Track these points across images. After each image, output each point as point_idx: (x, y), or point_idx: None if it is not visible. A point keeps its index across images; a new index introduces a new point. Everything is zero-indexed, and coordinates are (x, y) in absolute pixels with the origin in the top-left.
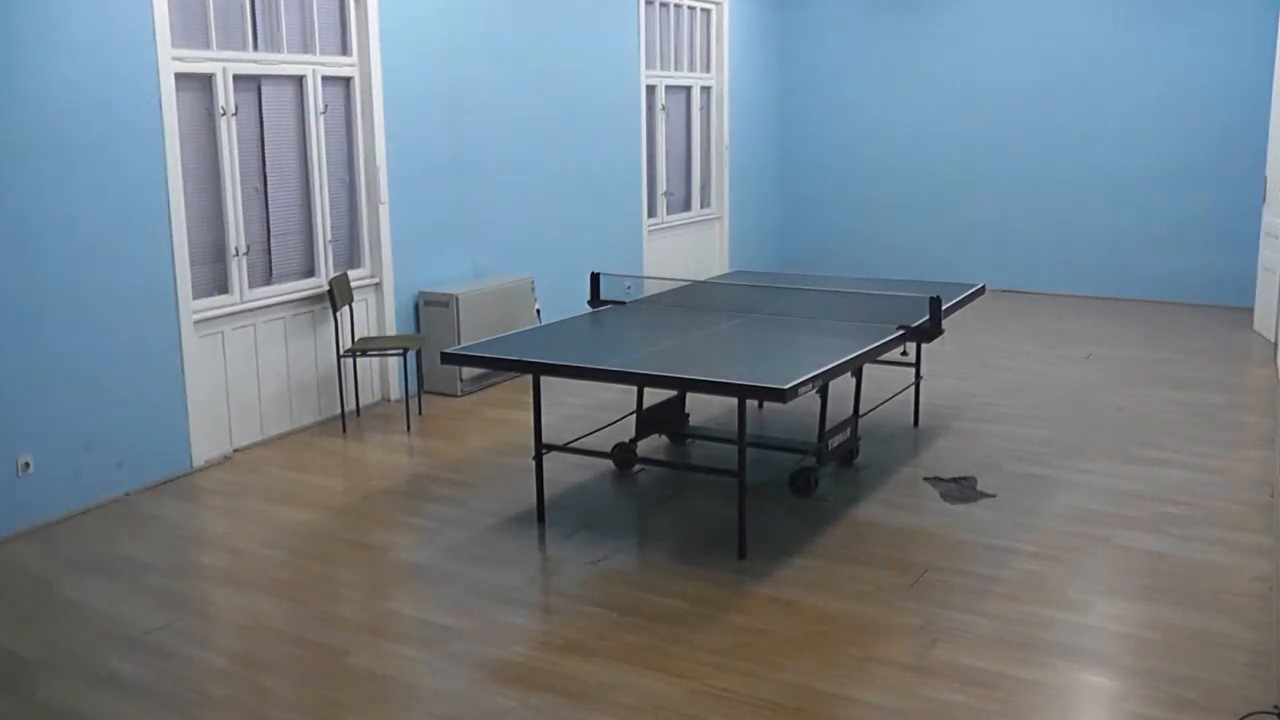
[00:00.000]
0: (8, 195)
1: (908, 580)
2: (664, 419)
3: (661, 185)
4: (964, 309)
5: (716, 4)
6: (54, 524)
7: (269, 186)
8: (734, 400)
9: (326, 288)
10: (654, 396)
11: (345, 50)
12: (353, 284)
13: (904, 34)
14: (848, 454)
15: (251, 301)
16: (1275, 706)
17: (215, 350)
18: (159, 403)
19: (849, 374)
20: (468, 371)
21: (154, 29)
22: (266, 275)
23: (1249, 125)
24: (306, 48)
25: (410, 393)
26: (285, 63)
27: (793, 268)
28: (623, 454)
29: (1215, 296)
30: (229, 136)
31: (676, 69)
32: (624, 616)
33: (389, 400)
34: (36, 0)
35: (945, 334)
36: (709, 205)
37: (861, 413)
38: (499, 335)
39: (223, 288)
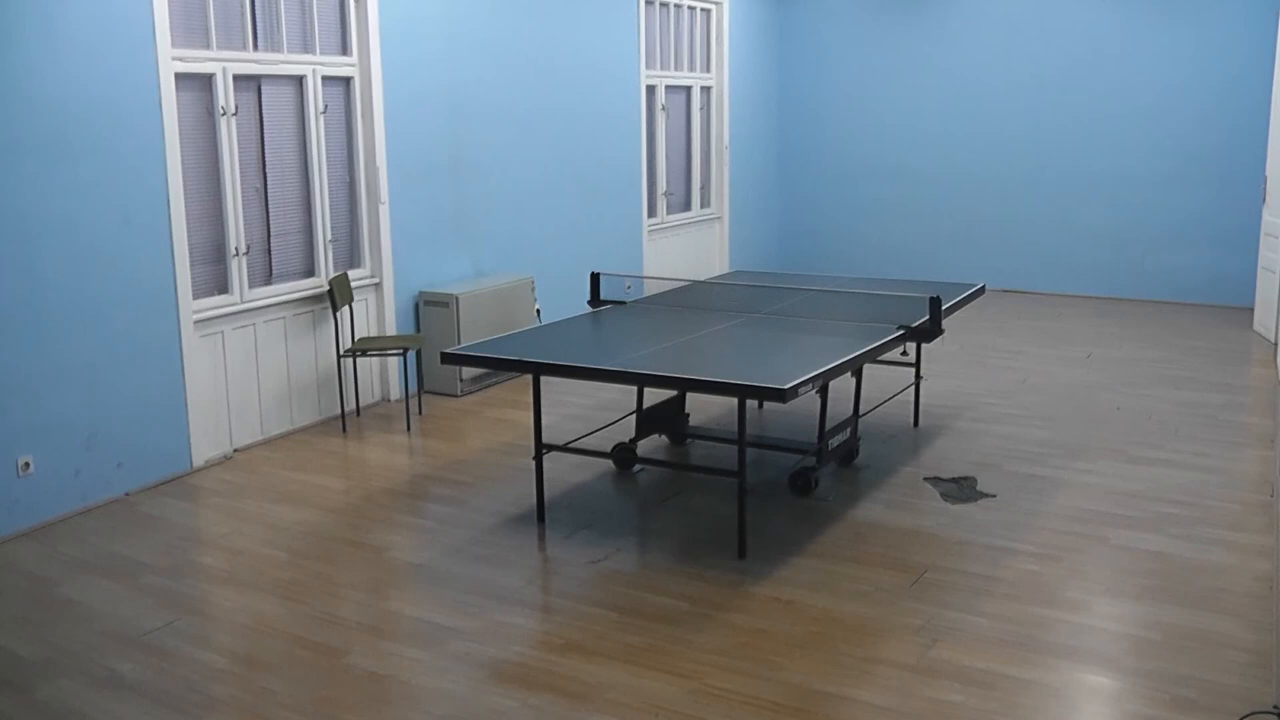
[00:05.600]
0: (8, 195)
1: (908, 580)
2: (664, 419)
3: (661, 185)
4: (964, 309)
5: (716, 4)
6: (54, 524)
7: (269, 186)
8: (734, 400)
9: (326, 288)
10: (654, 396)
11: (345, 50)
12: (353, 284)
13: (904, 34)
14: (848, 454)
15: (251, 301)
16: (1275, 706)
17: (215, 350)
18: (159, 403)
19: (849, 374)
20: (468, 371)
21: (154, 29)
22: (266, 275)
23: (1249, 125)
24: (306, 48)
25: (410, 393)
26: (285, 63)
27: (793, 268)
28: (623, 454)
29: (1215, 296)
30: (229, 136)
31: (676, 69)
32: (624, 616)
33: (389, 400)
34: (36, 0)
35: (945, 334)
36: (709, 205)
37: (861, 413)
38: (499, 335)
39: (223, 288)
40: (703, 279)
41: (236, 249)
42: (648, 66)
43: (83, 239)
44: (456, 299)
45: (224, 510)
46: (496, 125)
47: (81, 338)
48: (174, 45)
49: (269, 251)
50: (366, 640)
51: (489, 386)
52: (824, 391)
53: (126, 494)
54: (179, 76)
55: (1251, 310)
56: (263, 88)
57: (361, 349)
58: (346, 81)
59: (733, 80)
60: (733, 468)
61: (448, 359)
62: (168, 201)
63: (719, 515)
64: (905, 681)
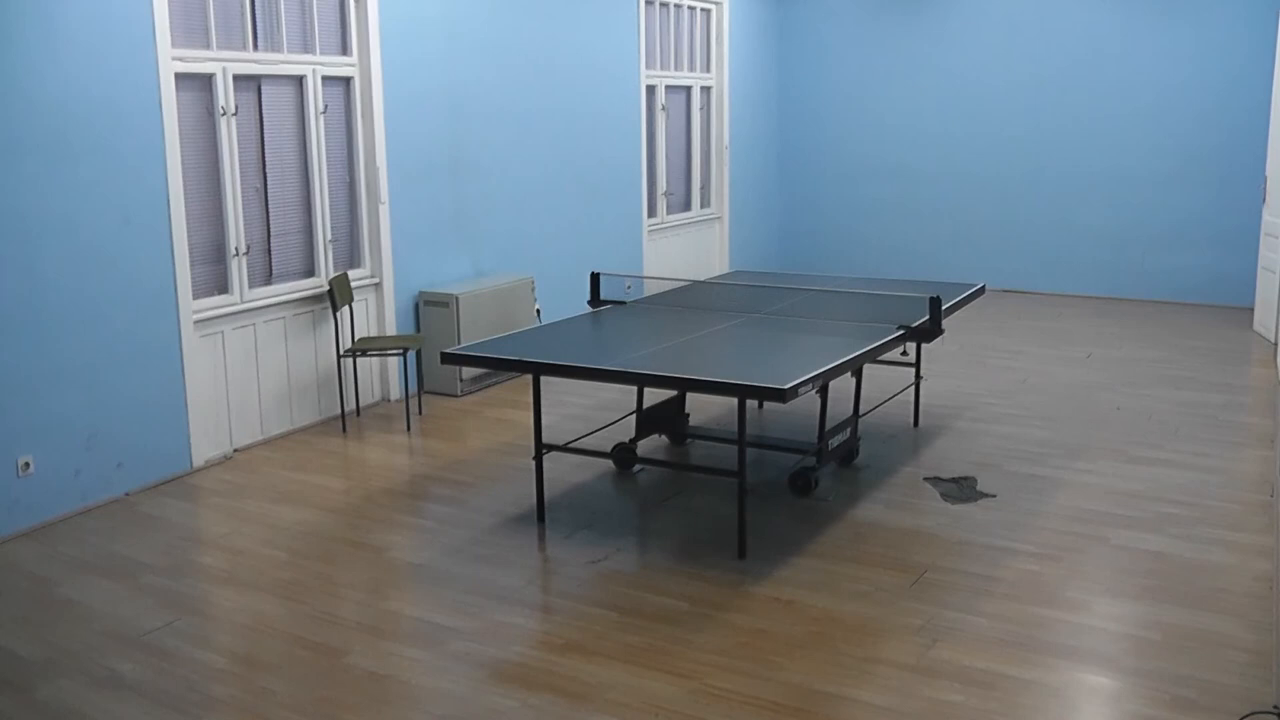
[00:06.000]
0: (8, 195)
1: (908, 580)
2: (664, 419)
3: (661, 185)
4: (964, 309)
5: (716, 4)
6: (54, 524)
7: (269, 186)
8: (734, 400)
9: (326, 288)
10: (654, 396)
11: (345, 50)
12: (353, 284)
13: (905, 34)
14: (848, 454)
15: (251, 301)
16: (1275, 706)
17: (215, 350)
18: (159, 403)
19: (849, 374)
20: (468, 371)
21: (154, 29)
22: (266, 275)
23: (1249, 125)
24: (306, 48)
25: (410, 393)
26: (285, 63)
27: (793, 268)
28: (623, 454)
29: (1215, 296)
30: (229, 136)
31: (676, 69)
32: (624, 616)
33: (389, 400)
34: (36, 0)
35: (945, 334)
36: (709, 205)
37: (861, 413)
38: (499, 335)
39: (223, 288)
40: (703, 279)
41: (236, 249)
42: (648, 66)
43: (83, 239)
44: (456, 299)
45: (224, 510)
46: (496, 125)
47: (81, 338)
48: (174, 45)
49: (269, 251)
50: (366, 640)
51: (489, 386)
52: (824, 391)
53: (126, 494)
54: (179, 76)
55: (1251, 310)
56: (263, 88)
57: (361, 349)
58: (346, 81)
59: (733, 80)
60: (733, 468)
61: (448, 359)
62: (168, 201)
63: (719, 515)
64: (905, 681)
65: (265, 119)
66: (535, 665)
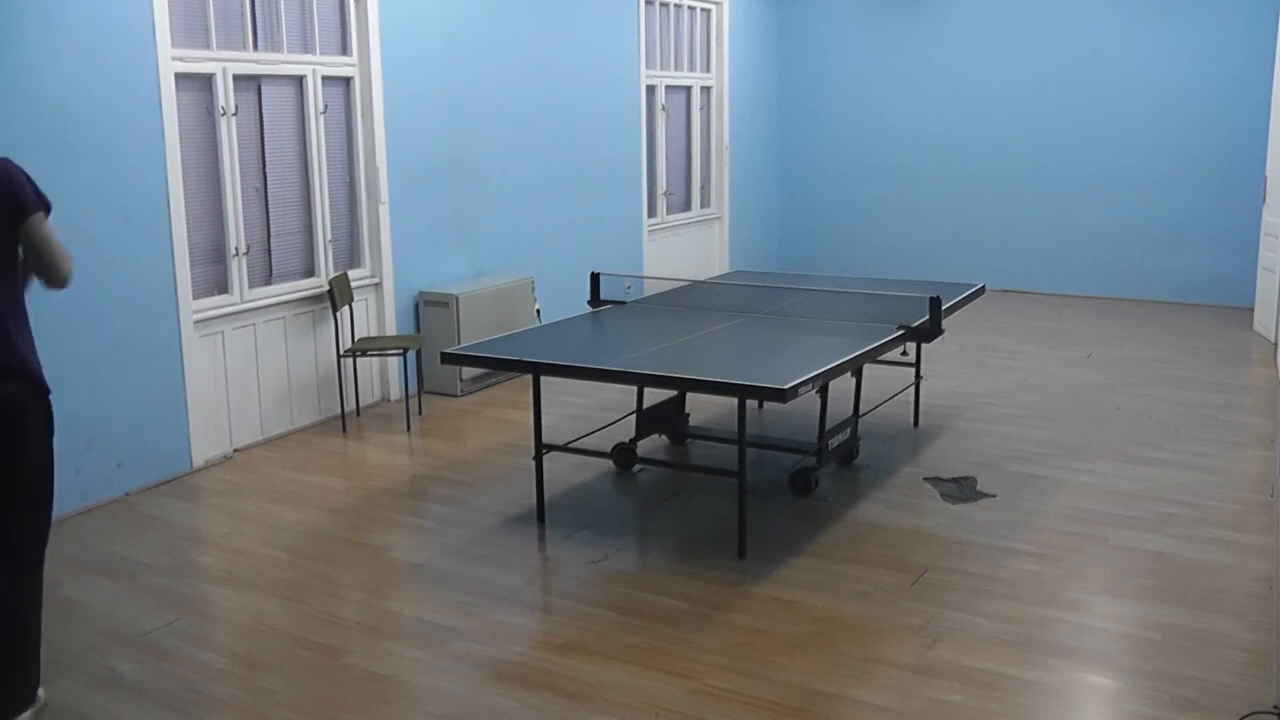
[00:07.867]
0: None
1: (908, 580)
2: (664, 419)
3: (661, 185)
4: (964, 309)
5: (716, 4)
6: (54, 524)
7: (269, 186)
8: (734, 400)
9: (326, 288)
10: (654, 396)
11: (345, 50)
12: (353, 284)
13: (905, 34)
14: (848, 454)
15: (251, 301)
16: (1275, 706)
17: (215, 350)
18: (159, 403)
19: (849, 374)
20: (468, 371)
21: (154, 29)
22: (266, 275)
23: (1249, 125)
24: (306, 48)
25: (410, 393)
26: (285, 63)
27: (793, 268)
28: (623, 454)
29: (1215, 296)
30: (229, 136)
31: (676, 69)
32: (624, 616)
33: (389, 400)
34: (36, 0)
35: (945, 334)
36: (709, 205)
37: (861, 413)
38: (499, 335)
39: (223, 288)
40: (703, 279)
41: (236, 249)
42: (648, 66)
43: (83, 239)
44: (456, 299)
45: (224, 510)
46: (496, 125)
47: (81, 338)
48: (174, 45)
49: (269, 251)
50: (366, 640)
51: (489, 386)
52: (824, 391)
53: (126, 494)
54: (179, 76)
55: (1251, 310)
56: (263, 88)
57: (361, 349)
58: (346, 81)
59: (733, 80)
60: (733, 468)
61: (448, 359)
62: (168, 201)
63: (719, 515)
64: (905, 681)
65: (265, 119)
66: (535, 665)
